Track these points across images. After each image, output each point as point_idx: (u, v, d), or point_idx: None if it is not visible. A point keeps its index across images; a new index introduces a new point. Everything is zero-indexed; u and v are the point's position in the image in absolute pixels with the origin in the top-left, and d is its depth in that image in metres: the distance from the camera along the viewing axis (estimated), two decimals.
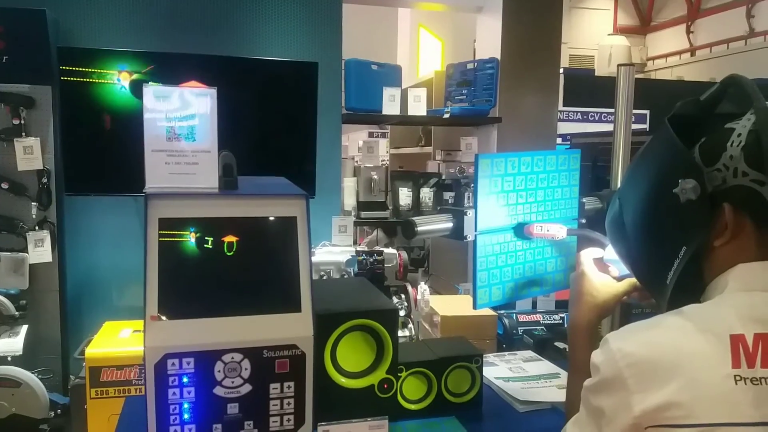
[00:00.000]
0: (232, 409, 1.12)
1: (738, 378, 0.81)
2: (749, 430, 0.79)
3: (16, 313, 2.93)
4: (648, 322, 0.91)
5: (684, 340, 0.85)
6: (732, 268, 0.91)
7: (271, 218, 1.17)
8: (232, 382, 1.11)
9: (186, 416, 1.10)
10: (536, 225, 1.38)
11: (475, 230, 1.36)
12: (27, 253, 2.96)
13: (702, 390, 0.81)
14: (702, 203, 0.89)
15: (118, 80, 2.85)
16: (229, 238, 1.13)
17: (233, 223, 1.13)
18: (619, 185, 1.30)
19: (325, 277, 2.53)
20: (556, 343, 2.52)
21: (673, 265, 0.94)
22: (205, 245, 1.11)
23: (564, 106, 7.67)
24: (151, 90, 1.15)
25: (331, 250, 2.69)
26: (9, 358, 2.79)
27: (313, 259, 2.56)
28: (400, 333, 2.35)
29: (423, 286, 2.75)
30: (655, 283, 0.99)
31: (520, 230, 1.40)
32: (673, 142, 0.93)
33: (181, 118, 1.16)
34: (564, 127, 6.81)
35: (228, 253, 1.12)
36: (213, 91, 1.18)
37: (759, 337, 0.82)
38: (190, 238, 1.11)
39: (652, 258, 1.00)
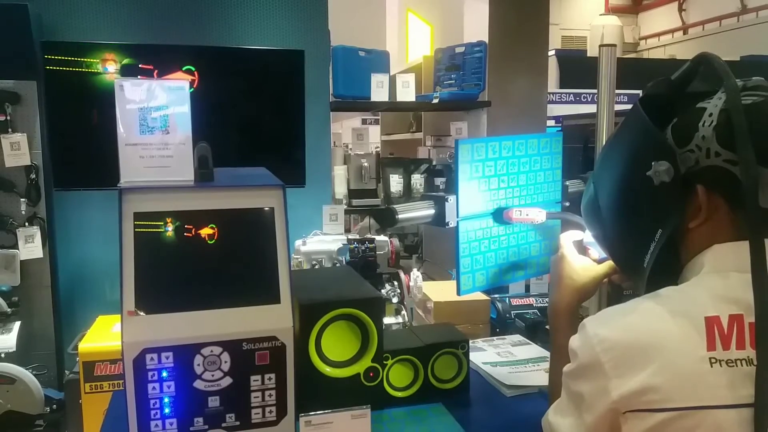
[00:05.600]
0: (213, 402, 1.12)
1: (713, 360, 0.80)
2: (725, 412, 0.79)
3: (9, 309, 2.92)
4: (624, 307, 0.91)
5: (659, 324, 0.84)
6: (707, 249, 0.90)
7: (248, 210, 1.16)
8: (212, 376, 1.11)
9: (167, 410, 1.09)
10: (515, 210, 1.38)
11: (457, 216, 1.36)
12: (17, 249, 2.95)
13: (678, 374, 0.81)
14: (676, 185, 0.89)
15: (105, 69, 2.82)
16: (206, 231, 1.12)
17: (209, 216, 1.13)
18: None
19: (317, 267, 2.53)
20: (547, 326, 2.52)
21: (650, 247, 0.94)
22: (181, 239, 1.11)
23: (560, 87, 7.66)
24: (123, 83, 1.14)
25: (323, 239, 2.68)
26: (2, 355, 2.80)
27: (305, 248, 2.57)
28: (393, 320, 2.35)
29: (416, 273, 2.74)
30: (633, 266, 0.99)
31: (499, 215, 1.39)
32: (645, 124, 0.92)
33: (154, 111, 1.15)
34: (557, 109, 6.81)
35: (205, 246, 1.12)
36: (186, 84, 1.17)
37: (734, 319, 0.82)
38: (166, 232, 1.10)
39: (629, 241, 1.00)
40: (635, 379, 0.82)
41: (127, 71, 2.81)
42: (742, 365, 0.80)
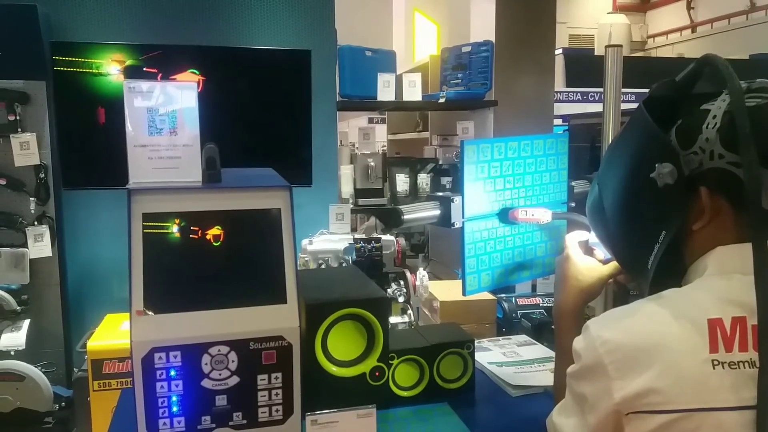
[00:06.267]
0: (221, 401, 1.13)
1: (716, 363, 0.81)
2: (727, 414, 0.80)
3: (18, 308, 2.94)
4: (628, 309, 0.91)
5: (662, 327, 0.85)
6: (711, 251, 0.91)
7: (255, 210, 1.17)
8: (220, 375, 1.12)
9: (175, 409, 1.11)
10: (521, 210, 1.38)
11: (463, 217, 1.36)
12: (27, 248, 2.97)
13: (680, 376, 0.81)
14: (679, 187, 0.89)
15: (116, 70, 2.83)
16: (213, 232, 1.13)
17: (217, 217, 1.14)
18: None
19: (323, 266, 2.54)
20: (553, 326, 2.52)
21: (654, 249, 0.94)
22: (189, 239, 1.12)
23: (567, 86, 7.65)
24: (131, 85, 1.15)
25: (329, 238, 2.69)
26: (12, 353, 2.82)
27: (311, 247, 2.58)
28: (399, 319, 2.36)
29: (422, 272, 2.75)
30: (637, 268, 0.99)
31: (505, 215, 1.40)
32: (649, 126, 0.92)
33: (162, 113, 1.16)
34: (564, 108, 6.80)
35: (212, 247, 1.13)
36: (194, 85, 1.18)
37: (736, 321, 0.82)
38: (174, 233, 1.11)
39: (633, 243, 1.00)
40: (638, 380, 0.83)
41: (130, 73, 2.83)
42: (744, 367, 0.80)
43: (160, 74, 2.84)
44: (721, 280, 0.87)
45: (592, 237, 1.26)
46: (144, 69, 2.85)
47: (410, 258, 4.19)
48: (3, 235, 2.99)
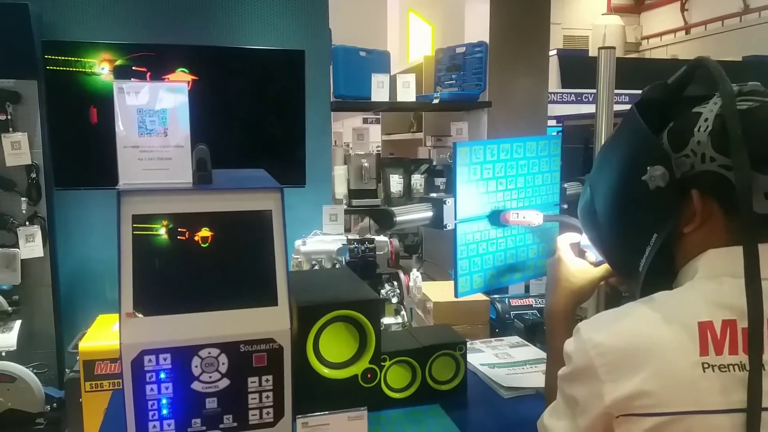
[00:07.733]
0: (211, 403, 1.12)
1: (706, 366, 0.81)
2: (717, 417, 0.80)
3: (9, 308, 2.92)
4: (619, 311, 0.91)
5: (653, 329, 0.85)
6: (702, 254, 0.90)
7: (246, 212, 1.16)
8: (210, 377, 1.12)
9: (164, 412, 1.10)
10: (512, 212, 1.38)
11: (455, 219, 1.36)
12: (18, 248, 2.95)
13: (671, 379, 0.81)
14: (671, 190, 0.89)
15: (103, 69, 2.82)
16: (204, 233, 1.13)
17: (207, 218, 1.13)
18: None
19: (316, 267, 2.53)
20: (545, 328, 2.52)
21: (645, 252, 0.94)
22: (180, 241, 1.11)
23: (562, 87, 7.66)
24: (121, 86, 1.14)
25: (323, 239, 2.68)
26: (3, 354, 2.81)
27: (305, 248, 2.57)
28: (392, 320, 2.35)
29: (415, 273, 2.74)
30: (628, 271, 0.99)
31: (496, 218, 1.39)
32: (641, 129, 0.92)
33: (152, 114, 1.15)
34: (558, 109, 6.80)
35: (202, 249, 1.12)
36: (184, 85, 1.18)
37: (727, 324, 0.82)
38: (164, 234, 1.11)
39: (624, 246, 1.00)
40: (628, 383, 0.83)
41: (121, 73, 2.81)
42: (734, 370, 0.80)
43: (150, 74, 2.83)
44: (711, 283, 0.87)
45: (583, 239, 1.26)
46: (135, 68, 2.84)
47: (404, 259, 4.19)
48: None
